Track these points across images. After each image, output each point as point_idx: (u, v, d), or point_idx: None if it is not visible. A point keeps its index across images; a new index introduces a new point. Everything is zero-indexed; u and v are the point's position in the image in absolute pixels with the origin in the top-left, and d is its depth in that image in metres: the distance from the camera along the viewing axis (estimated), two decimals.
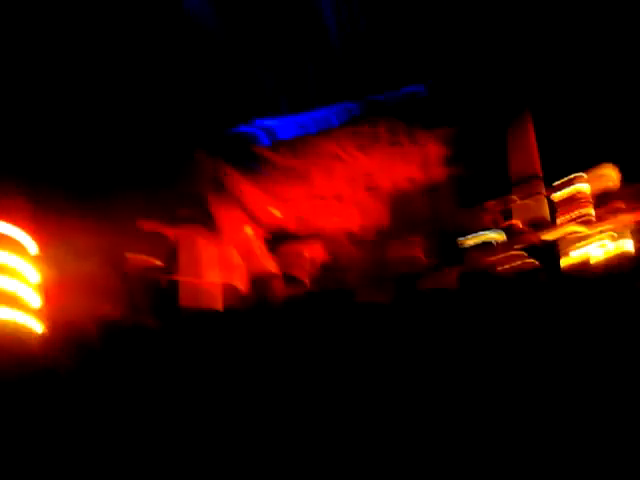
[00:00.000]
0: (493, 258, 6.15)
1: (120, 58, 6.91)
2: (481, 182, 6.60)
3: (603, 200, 5.79)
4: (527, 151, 6.73)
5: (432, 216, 6.73)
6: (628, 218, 5.47)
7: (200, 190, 7.76)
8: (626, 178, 5.58)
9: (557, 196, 7.58)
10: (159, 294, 6.65)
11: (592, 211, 5.67)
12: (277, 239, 7.18)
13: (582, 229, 5.62)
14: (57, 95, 7.04)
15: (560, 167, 6.14)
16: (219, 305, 7.10)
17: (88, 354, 5.24)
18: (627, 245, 5.25)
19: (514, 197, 6.35)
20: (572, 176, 5.80)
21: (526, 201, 6.53)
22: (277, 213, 7.37)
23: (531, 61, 5.98)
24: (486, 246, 7.00)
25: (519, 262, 6.55)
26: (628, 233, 5.27)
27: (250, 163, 7.49)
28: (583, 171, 5.93)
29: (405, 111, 6.89)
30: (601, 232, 5.44)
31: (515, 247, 6.23)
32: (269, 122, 7.65)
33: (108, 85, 7.05)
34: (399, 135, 6.90)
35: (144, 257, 7.05)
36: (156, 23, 6.51)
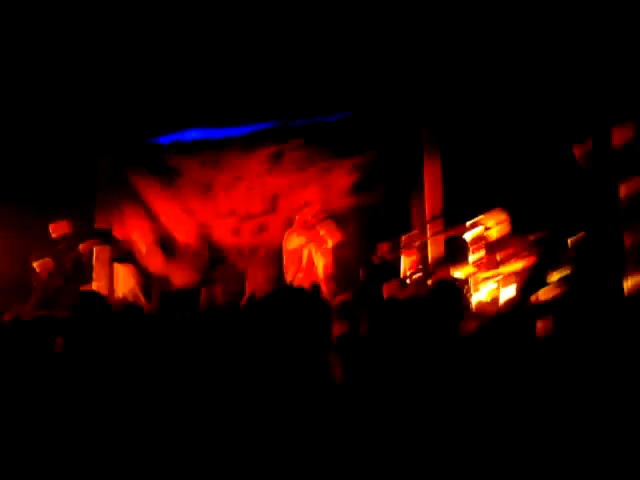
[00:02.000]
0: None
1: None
2: (385, 215, 6.62)
3: (493, 245, 5.92)
4: (432, 190, 6.79)
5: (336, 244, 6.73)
6: (515, 266, 5.60)
7: (107, 196, 7.58)
8: (515, 227, 5.74)
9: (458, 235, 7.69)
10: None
11: (482, 254, 5.75)
12: (177, 252, 7.02)
13: (464, 272, 5.71)
14: None
15: (460, 209, 6.27)
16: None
17: None
18: (510, 291, 5.37)
19: (411, 235, 6.37)
20: (472, 220, 5.88)
21: (425, 239, 6.59)
22: (182, 225, 7.25)
23: (441, 101, 6.13)
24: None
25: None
26: (513, 279, 5.40)
27: (157, 169, 7.34)
28: (479, 214, 6.04)
29: (315, 136, 6.86)
30: (487, 277, 5.55)
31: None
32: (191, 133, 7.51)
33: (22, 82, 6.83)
34: (305, 159, 6.85)
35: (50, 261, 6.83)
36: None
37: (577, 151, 5.10)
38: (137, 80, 7.25)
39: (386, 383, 2.45)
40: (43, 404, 2.42)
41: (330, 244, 6.55)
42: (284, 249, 6.68)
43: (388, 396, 2.38)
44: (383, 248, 6.40)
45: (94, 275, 6.91)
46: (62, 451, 2.24)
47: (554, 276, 5.15)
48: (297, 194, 7.20)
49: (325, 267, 6.51)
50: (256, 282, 6.37)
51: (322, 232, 6.56)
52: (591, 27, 5.40)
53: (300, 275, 6.39)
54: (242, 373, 2.38)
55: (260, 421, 2.17)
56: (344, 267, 6.58)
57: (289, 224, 6.93)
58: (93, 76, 7.09)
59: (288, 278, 6.49)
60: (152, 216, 7.51)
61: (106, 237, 7.31)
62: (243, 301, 4.96)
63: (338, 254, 6.75)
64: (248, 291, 5.85)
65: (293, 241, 6.60)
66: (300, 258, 6.53)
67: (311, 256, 6.53)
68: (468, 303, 5.19)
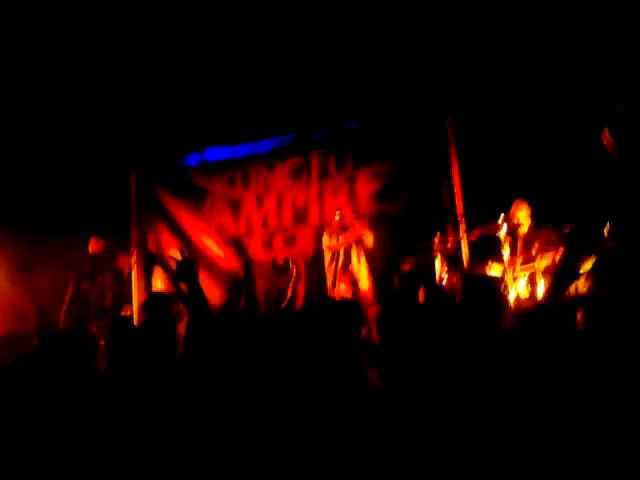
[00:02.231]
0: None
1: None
2: (412, 220, 6.59)
3: (526, 239, 5.83)
4: (453, 192, 6.76)
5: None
6: (549, 259, 5.50)
7: (135, 213, 7.73)
8: (539, 220, 5.64)
9: (475, 236, 7.53)
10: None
11: (507, 252, 5.65)
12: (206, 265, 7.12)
13: (499, 270, 5.61)
14: None
15: (481, 208, 6.18)
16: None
17: None
18: (539, 288, 5.27)
19: (444, 236, 6.33)
20: (494, 219, 5.79)
21: (446, 243, 6.54)
22: (209, 242, 7.34)
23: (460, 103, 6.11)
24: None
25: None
26: (540, 276, 5.30)
27: (185, 189, 7.46)
28: (501, 212, 5.94)
29: (337, 145, 6.88)
30: (514, 275, 5.45)
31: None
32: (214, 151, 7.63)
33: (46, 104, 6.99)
34: (329, 168, 6.88)
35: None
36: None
37: (605, 139, 5.06)
38: (158, 102, 7.37)
39: (425, 387, 2.47)
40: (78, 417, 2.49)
41: (369, 242, 6.58)
42: (324, 250, 6.72)
43: (427, 400, 2.40)
44: (409, 260, 6.44)
45: (134, 291, 7.04)
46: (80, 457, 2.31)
47: (588, 267, 5.11)
48: (324, 203, 7.25)
49: (366, 267, 6.54)
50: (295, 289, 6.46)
51: (360, 232, 6.59)
52: (611, 21, 5.36)
53: (339, 277, 6.42)
54: (277, 379, 2.42)
55: (293, 427, 2.21)
56: (374, 274, 6.61)
57: (320, 233, 6.98)
58: (118, 101, 7.23)
59: (329, 279, 6.53)
60: (183, 235, 7.64)
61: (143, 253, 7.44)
62: (283, 305, 5.06)
63: (369, 260, 6.78)
64: (289, 295, 5.95)
65: (331, 241, 6.64)
66: (338, 258, 6.57)
67: (348, 256, 6.57)
68: (506, 300, 5.18)
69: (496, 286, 3.99)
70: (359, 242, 6.59)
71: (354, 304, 2.84)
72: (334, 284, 6.45)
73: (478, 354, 2.68)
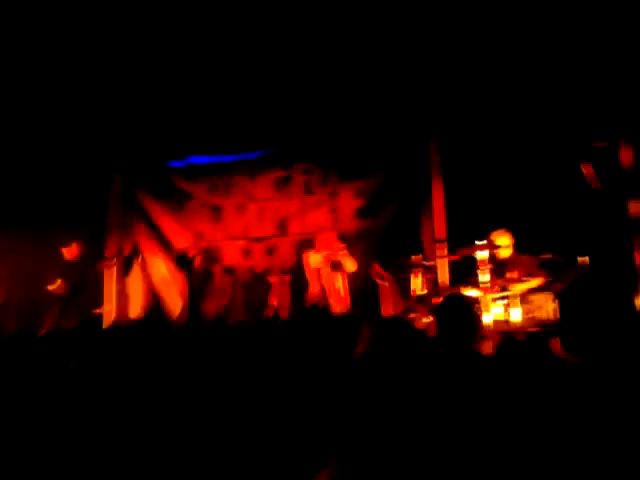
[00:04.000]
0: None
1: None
2: (395, 236, 6.62)
3: (502, 265, 5.88)
4: (436, 214, 6.80)
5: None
6: (519, 288, 5.55)
7: (118, 218, 7.68)
8: (519, 247, 5.70)
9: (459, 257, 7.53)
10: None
11: (488, 277, 5.70)
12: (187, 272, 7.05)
13: (475, 292, 5.67)
14: None
15: (463, 231, 6.24)
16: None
17: None
18: (515, 314, 5.30)
19: (415, 258, 6.33)
20: (477, 243, 5.84)
21: (429, 264, 6.55)
22: (190, 247, 7.32)
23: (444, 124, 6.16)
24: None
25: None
26: (518, 302, 5.33)
27: (167, 192, 7.43)
28: (481, 236, 6.01)
29: (322, 160, 6.90)
30: (493, 299, 5.50)
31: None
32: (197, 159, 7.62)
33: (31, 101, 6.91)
34: (313, 183, 6.88)
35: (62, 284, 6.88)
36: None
37: (585, 170, 5.12)
38: (144, 106, 7.34)
39: (399, 403, 2.45)
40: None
41: (350, 268, 6.63)
42: (306, 268, 6.74)
43: (401, 416, 2.38)
44: (378, 268, 6.48)
45: (104, 296, 6.98)
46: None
47: (562, 296, 5.15)
48: (306, 217, 7.25)
49: (344, 288, 6.58)
50: (279, 299, 6.45)
51: (341, 258, 6.65)
52: (598, 43, 5.45)
53: (321, 293, 6.46)
54: (262, 388, 2.39)
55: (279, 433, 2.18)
56: (355, 288, 6.63)
57: (299, 246, 6.99)
58: (107, 103, 7.19)
59: (311, 295, 6.54)
60: (163, 239, 7.60)
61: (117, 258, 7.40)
62: (270, 314, 5.06)
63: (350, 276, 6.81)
64: (271, 308, 5.92)
65: (314, 260, 6.67)
66: (320, 276, 6.61)
67: (329, 276, 6.60)
68: (479, 323, 5.19)
69: (473, 306, 4.00)
70: (340, 266, 6.66)
71: (352, 318, 2.81)
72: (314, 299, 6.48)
73: (452, 374, 2.67)
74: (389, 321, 3.43)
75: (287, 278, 6.76)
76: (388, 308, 5.95)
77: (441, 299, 5.67)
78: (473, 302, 5.34)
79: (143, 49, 6.84)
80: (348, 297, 6.56)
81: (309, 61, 6.63)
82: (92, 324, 4.93)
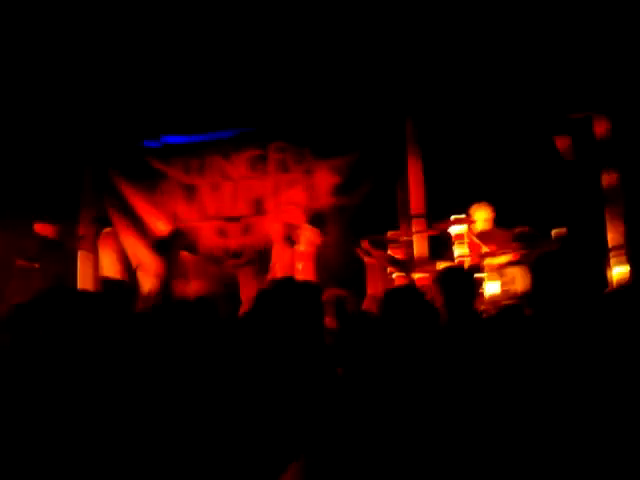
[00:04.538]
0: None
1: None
2: (369, 215, 6.58)
3: (478, 239, 5.89)
4: (414, 188, 6.74)
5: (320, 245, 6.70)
6: (498, 261, 5.56)
7: (92, 200, 7.58)
8: (499, 221, 5.71)
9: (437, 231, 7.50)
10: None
11: (466, 251, 5.70)
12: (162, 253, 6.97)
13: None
14: None
15: (442, 205, 6.21)
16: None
17: None
18: (494, 287, 5.30)
19: (394, 233, 6.31)
20: (453, 217, 5.81)
21: (408, 238, 6.53)
22: (164, 228, 7.24)
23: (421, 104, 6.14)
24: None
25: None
26: (497, 276, 5.33)
27: (141, 173, 7.33)
28: (462, 210, 5.99)
29: (296, 138, 6.82)
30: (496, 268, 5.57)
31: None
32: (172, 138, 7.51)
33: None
34: (287, 161, 6.82)
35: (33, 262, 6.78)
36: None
37: (559, 142, 5.12)
38: (119, 87, 7.23)
39: (387, 376, 2.43)
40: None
41: (302, 248, 6.61)
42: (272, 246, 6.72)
43: (390, 390, 2.36)
44: (366, 243, 6.45)
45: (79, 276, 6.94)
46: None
47: (538, 269, 5.15)
48: (282, 195, 7.20)
49: (304, 268, 6.55)
50: (248, 282, 6.40)
51: (301, 235, 6.62)
52: (572, 16, 5.43)
53: (282, 272, 6.43)
54: (240, 370, 2.35)
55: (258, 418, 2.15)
56: (329, 265, 6.60)
57: (275, 225, 6.95)
58: (79, 81, 7.07)
59: (272, 274, 6.53)
60: (138, 220, 7.53)
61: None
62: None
63: (323, 252, 6.78)
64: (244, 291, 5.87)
65: (277, 238, 6.65)
66: (285, 255, 6.58)
67: (285, 252, 6.59)
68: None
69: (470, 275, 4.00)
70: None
71: (316, 287, 2.77)
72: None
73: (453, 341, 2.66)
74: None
75: (250, 270, 6.70)
76: (375, 285, 5.93)
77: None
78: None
79: (115, 28, 6.71)
80: (311, 273, 6.52)
81: (284, 40, 6.55)
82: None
